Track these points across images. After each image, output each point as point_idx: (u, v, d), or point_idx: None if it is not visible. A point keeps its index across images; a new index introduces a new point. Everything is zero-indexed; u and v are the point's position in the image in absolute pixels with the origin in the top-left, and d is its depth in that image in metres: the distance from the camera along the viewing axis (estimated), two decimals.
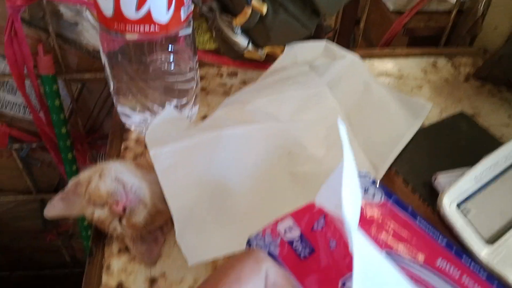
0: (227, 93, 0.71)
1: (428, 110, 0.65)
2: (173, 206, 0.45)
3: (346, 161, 0.26)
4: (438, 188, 0.52)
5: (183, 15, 0.51)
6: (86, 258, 0.47)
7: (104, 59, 0.55)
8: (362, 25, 0.86)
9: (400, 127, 0.59)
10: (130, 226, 0.44)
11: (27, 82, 0.83)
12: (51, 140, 0.90)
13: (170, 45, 0.53)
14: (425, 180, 0.53)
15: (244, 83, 0.73)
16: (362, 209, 0.33)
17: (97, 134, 0.99)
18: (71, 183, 0.48)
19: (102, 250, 0.47)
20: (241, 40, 0.65)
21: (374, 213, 0.34)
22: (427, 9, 0.92)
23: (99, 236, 0.48)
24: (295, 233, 0.31)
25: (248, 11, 0.59)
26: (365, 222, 0.32)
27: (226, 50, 0.72)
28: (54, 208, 0.47)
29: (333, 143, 0.53)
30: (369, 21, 0.86)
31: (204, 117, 0.65)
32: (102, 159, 0.99)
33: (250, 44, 0.66)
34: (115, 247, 0.48)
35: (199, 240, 0.45)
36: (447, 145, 0.60)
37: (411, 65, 0.81)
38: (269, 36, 0.63)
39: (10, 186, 1.04)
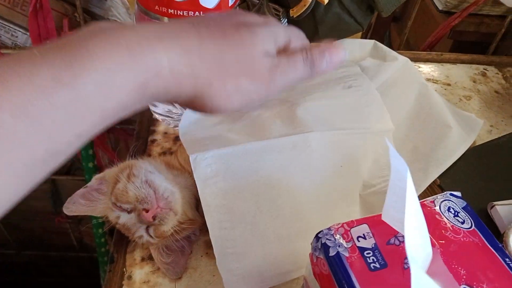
0: None
1: (480, 127, 0.59)
2: (213, 224, 0.39)
3: (395, 181, 0.25)
4: (494, 218, 0.48)
5: (231, 0, 0.45)
6: (95, 244, 0.42)
7: None
8: (409, 23, 0.79)
9: (453, 141, 0.54)
10: (157, 235, 0.40)
11: None
12: None
13: None
14: (478, 206, 0.48)
15: None
16: (446, 231, 0.32)
17: None
18: (94, 179, 0.43)
19: (124, 257, 0.43)
20: None
21: (460, 239, 0.31)
22: (478, 11, 0.85)
23: (121, 242, 0.44)
24: (368, 243, 0.30)
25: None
26: (448, 247, 0.30)
27: None
28: (74, 205, 0.43)
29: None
30: (408, 19, 0.79)
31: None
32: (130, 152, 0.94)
33: None
34: (137, 254, 0.43)
35: (241, 268, 0.39)
36: (503, 168, 0.54)
37: (459, 73, 0.75)
38: (317, 30, 0.58)
39: None
